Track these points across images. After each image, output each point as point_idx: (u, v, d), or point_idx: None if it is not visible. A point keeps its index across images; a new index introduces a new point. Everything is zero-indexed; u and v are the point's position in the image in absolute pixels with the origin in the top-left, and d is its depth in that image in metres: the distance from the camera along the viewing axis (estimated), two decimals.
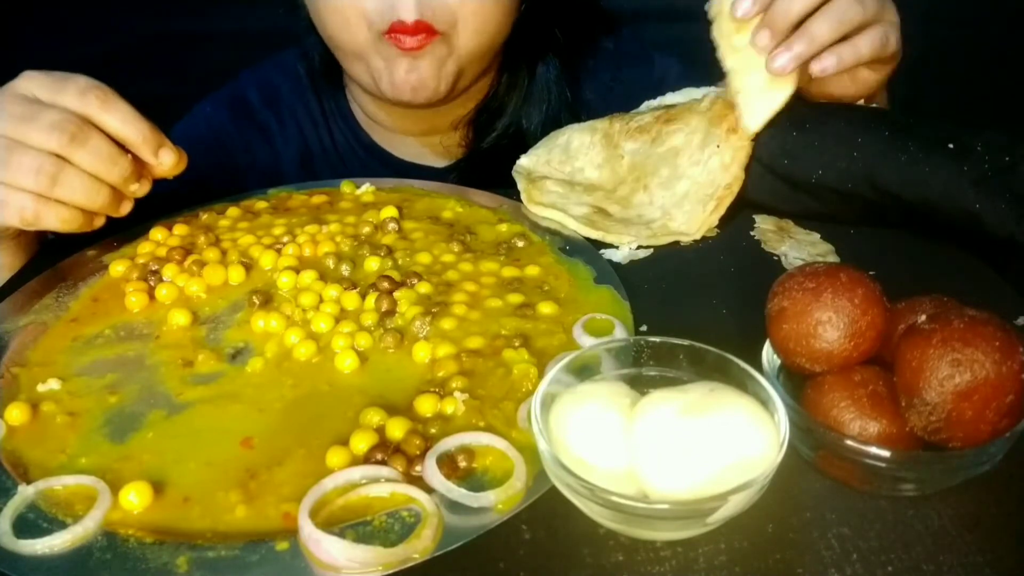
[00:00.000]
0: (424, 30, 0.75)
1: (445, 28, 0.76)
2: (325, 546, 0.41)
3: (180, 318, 0.60)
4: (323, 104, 0.95)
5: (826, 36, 0.63)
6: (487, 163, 0.88)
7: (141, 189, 0.64)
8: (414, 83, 0.78)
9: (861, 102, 0.73)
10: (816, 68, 0.64)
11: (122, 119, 0.61)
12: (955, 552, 0.42)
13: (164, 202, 0.72)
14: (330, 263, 0.65)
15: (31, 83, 0.61)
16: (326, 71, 0.91)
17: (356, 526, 0.43)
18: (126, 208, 0.64)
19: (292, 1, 0.83)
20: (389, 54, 0.77)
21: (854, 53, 0.65)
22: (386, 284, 0.61)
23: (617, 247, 0.67)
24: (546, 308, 0.58)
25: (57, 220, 0.61)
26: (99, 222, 0.64)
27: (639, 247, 0.67)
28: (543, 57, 0.89)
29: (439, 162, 0.94)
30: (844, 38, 0.64)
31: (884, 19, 0.66)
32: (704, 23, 0.69)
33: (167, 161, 0.64)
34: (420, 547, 0.41)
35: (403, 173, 0.91)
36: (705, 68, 0.76)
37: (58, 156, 0.59)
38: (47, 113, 0.59)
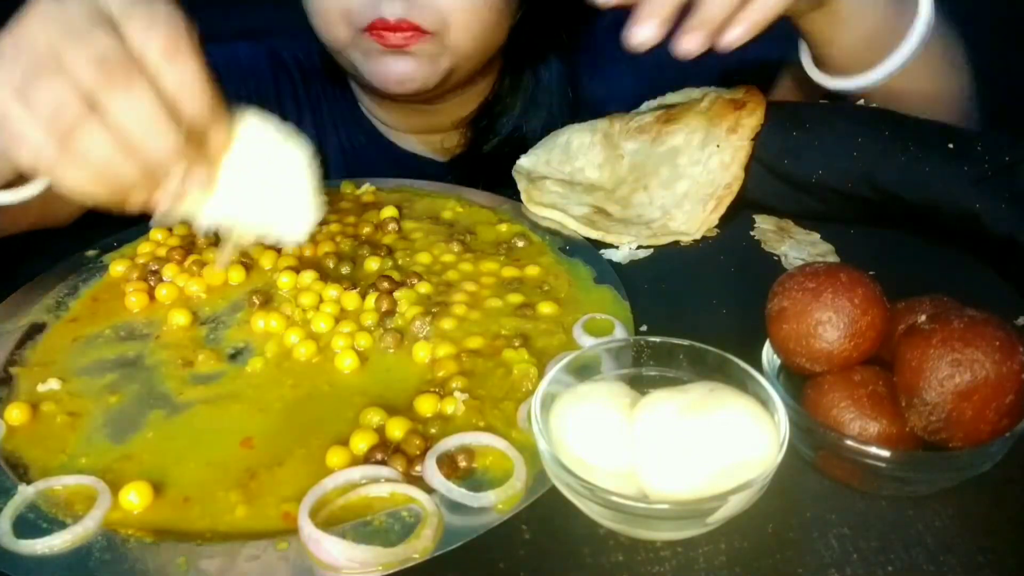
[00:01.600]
0: (409, 28, 0.73)
1: (435, 28, 0.75)
2: (325, 546, 0.41)
3: (180, 318, 0.60)
4: (334, 90, 0.94)
5: (720, 10, 0.56)
6: (488, 163, 0.88)
7: (179, 189, 0.49)
8: (399, 76, 0.77)
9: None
10: (722, 44, 0.58)
11: (182, 76, 0.46)
12: (955, 552, 0.42)
13: None
14: (330, 263, 0.65)
15: None
16: (327, 65, 0.91)
17: (356, 526, 0.43)
18: (161, 203, 0.49)
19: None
20: (369, 49, 0.76)
21: (762, 11, 0.57)
22: (386, 284, 0.61)
23: (617, 247, 0.67)
24: (546, 308, 0.58)
25: (71, 180, 0.47)
26: (134, 199, 0.49)
27: (639, 247, 0.67)
28: (545, 60, 0.88)
29: (441, 159, 0.94)
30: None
31: None
32: None
33: (215, 145, 0.49)
34: (420, 547, 0.41)
35: (406, 164, 0.91)
36: (717, 69, 0.76)
37: (90, 99, 0.45)
38: (98, 36, 0.45)
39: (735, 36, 0.57)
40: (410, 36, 0.74)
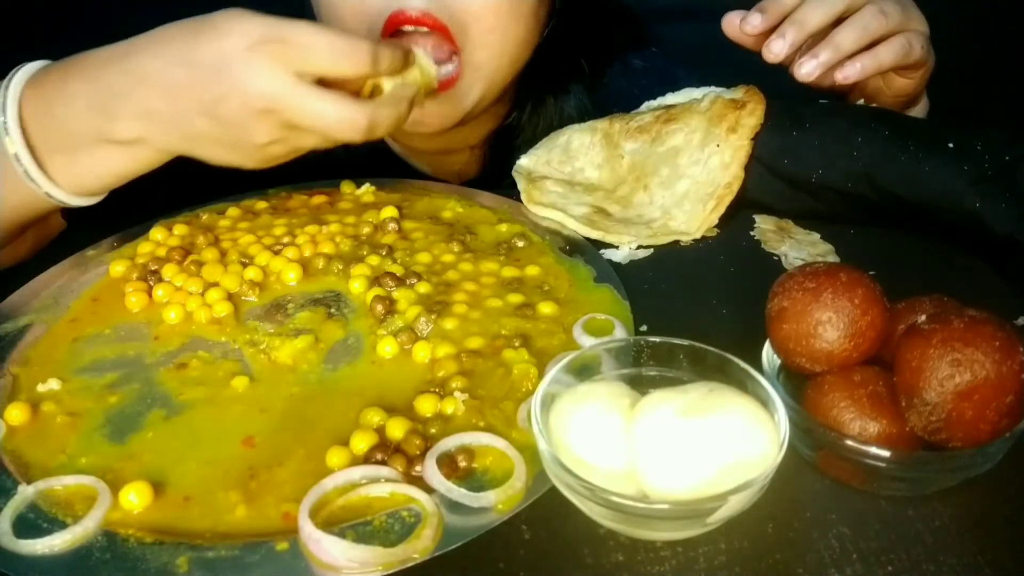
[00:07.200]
0: (432, 27, 0.70)
1: (455, 30, 0.71)
2: (325, 546, 0.41)
3: (180, 318, 0.60)
4: None
5: (850, 45, 0.66)
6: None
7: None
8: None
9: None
10: (839, 76, 0.67)
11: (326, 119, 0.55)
12: (955, 552, 0.42)
13: (164, 202, 0.72)
14: (319, 263, 0.64)
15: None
16: None
17: (356, 526, 0.43)
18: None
19: (300, 7, 0.82)
20: None
21: (875, 62, 0.67)
22: (390, 281, 0.61)
23: (617, 247, 0.67)
24: (546, 308, 0.58)
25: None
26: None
27: (639, 247, 0.67)
28: (568, 88, 0.86)
29: (454, 180, 0.93)
30: (867, 47, 0.66)
31: (908, 28, 0.68)
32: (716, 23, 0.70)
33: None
34: (420, 547, 0.41)
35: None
36: (718, 69, 0.76)
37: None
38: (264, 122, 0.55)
39: (853, 72, 0.66)
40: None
